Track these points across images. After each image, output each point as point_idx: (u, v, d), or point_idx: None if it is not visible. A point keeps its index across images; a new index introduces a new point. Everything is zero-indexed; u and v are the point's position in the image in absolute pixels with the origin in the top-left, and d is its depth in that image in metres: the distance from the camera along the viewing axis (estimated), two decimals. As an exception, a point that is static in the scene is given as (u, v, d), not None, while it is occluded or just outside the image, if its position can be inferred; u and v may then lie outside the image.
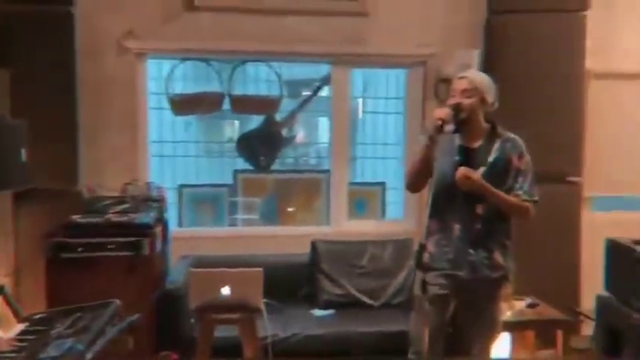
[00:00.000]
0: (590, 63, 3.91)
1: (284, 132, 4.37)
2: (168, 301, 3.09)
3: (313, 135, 5.96)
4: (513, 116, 2.62)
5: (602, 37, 3.94)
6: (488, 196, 2.50)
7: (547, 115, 3.79)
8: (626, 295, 2.53)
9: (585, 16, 3.84)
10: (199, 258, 3.66)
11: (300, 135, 6.71)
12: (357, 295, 3.67)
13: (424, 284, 2.44)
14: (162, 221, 3.45)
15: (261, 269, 2.66)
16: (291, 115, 4.36)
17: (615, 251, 2.70)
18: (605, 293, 2.74)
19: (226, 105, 4.11)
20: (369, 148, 4.81)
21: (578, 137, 3.92)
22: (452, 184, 2.52)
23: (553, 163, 3.67)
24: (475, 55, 3.75)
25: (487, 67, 3.65)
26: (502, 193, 2.52)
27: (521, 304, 3.54)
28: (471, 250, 2.52)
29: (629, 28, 4.07)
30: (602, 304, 2.73)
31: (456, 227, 2.54)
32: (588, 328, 3.80)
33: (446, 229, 2.55)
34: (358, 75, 4.61)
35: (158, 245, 3.24)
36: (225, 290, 2.62)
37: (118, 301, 2.28)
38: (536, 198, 2.55)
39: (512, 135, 2.60)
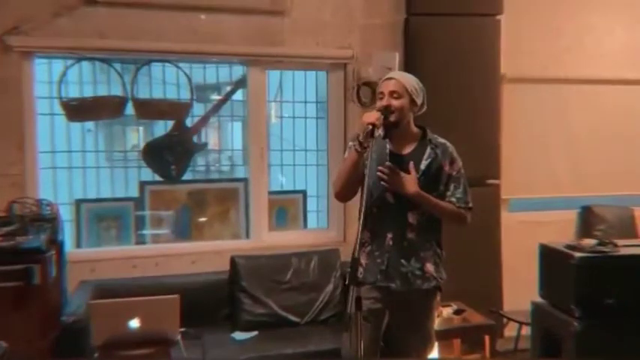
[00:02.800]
0: (504, 67, 3.96)
1: (195, 138, 4.03)
2: (66, 338, 2.66)
3: (226, 141, 5.63)
4: (433, 120, 2.53)
5: (514, 41, 4.01)
6: (424, 203, 2.39)
7: (467, 118, 3.81)
8: (563, 302, 2.49)
9: (499, 21, 3.89)
10: (102, 283, 3.27)
11: (213, 141, 6.36)
12: (282, 312, 3.43)
13: (359, 301, 2.24)
14: (56, 243, 3.00)
15: (177, 296, 2.34)
16: (203, 120, 4.03)
17: (549, 257, 2.67)
18: (539, 300, 2.69)
19: (129, 110, 3.71)
20: (286, 154, 4.59)
21: (495, 140, 3.97)
22: (383, 191, 2.41)
23: (473, 166, 3.65)
24: (395, 58, 3.65)
25: (407, 69, 3.59)
26: (438, 201, 2.42)
27: (447, 311, 3.50)
28: (403, 261, 2.42)
29: (537, 33, 4.18)
30: (538, 310, 2.69)
31: (388, 237, 2.43)
32: (512, 330, 3.85)
33: (378, 239, 2.44)
34: (273, 77, 4.38)
35: (52, 272, 2.81)
36: (134, 323, 2.27)
37: (3, 343, 1.95)
38: (470, 205, 2.49)
39: (442, 140, 2.52)
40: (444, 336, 3.35)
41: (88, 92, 3.81)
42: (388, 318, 2.47)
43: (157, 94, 4.01)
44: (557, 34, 4.22)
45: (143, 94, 3.79)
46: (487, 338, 3.51)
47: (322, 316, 3.48)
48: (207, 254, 3.68)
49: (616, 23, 4.35)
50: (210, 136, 6.82)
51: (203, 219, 4.07)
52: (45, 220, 3.01)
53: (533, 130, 4.24)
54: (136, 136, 4.75)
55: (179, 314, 2.36)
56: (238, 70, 3.98)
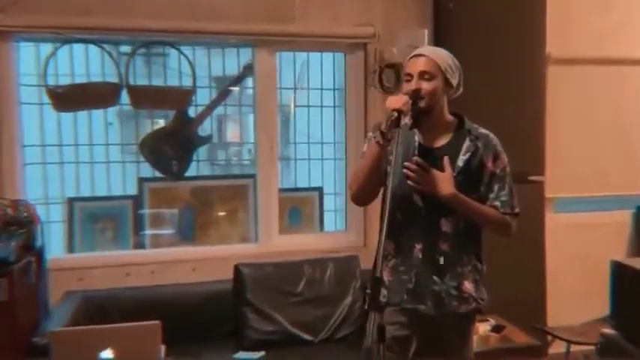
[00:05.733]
0: (550, 47, 3.45)
1: (200, 130, 3.62)
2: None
3: (244, 134, 5.27)
4: (466, 107, 2.09)
5: (561, 16, 3.50)
6: (462, 208, 1.95)
7: (506, 105, 3.34)
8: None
9: (545, -4, 3.38)
10: (89, 294, 2.91)
11: (232, 134, 6.00)
12: (293, 330, 2.99)
13: (382, 330, 1.80)
14: (32, 251, 2.62)
15: (158, 322, 1.93)
16: (207, 110, 3.61)
17: (626, 278, 2.17)
18: (609, 330, 2.20)
19: (124, 99, 3.32)
20: (301, 147, 4.17)
21: (539, 130, 3.48)
22: (410, 193, 1.98)
23: (514, 160, 3.19)
24: (424, 36, 3.18)
25: (437, 50, 3.12)
26: (479, 205, 1.98)
27: (485, 328, 3.04)
28: (435, 278, 1.99)
29: (587, 7, 3.65)
30: (608, 345, 2.21)
31: (417, 248, 2.00)
32: (558, 348, 3.38)
33: (404, 250, 2.02)
34: (288, 63, 3.94)
35: (25, 285, 2.42)
36: (107, 354, 1.87)
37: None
38: (517, 210, 2.04)
39: (484, 131, 2.07)
40: (481, 358, 2.91)
41: (78, 79, 3.44)
42: (416, 346, 2.05)
43: (157, 81, 3.63)
44: (608, 9, 3.69)
45: (142, 81, 3.39)
46: (529, 361, 3.06)
47: (339, 333, 3.04)
48: (209, 260, 3.28)
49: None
50: (228, 129, 6.48)
51: (222, 213, 3.66)
52: (20, 224, 2.62)
53: (582, 119, 3.73)
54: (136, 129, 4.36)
55: (160, 342, 1.95)
56: (247, 54, 3.55)
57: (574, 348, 3.38)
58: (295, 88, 3.99)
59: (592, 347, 3.28)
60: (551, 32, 3.43)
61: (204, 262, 3.26)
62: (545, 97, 3.50)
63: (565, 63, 3.60)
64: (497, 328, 3.03)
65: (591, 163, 3.75)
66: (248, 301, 3.00)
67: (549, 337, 3.39)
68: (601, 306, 3.40)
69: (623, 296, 2.16)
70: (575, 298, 3.56)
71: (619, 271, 2.18)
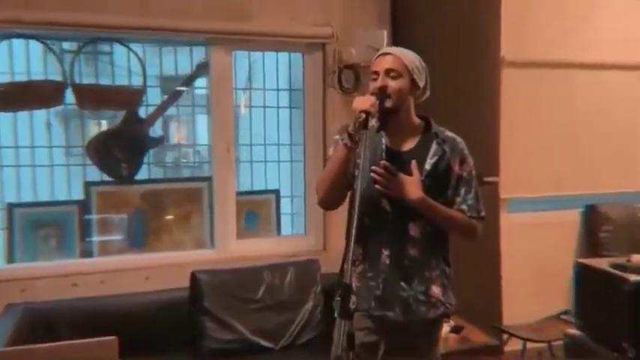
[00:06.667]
0: (504, 50, 3.50)
1: (151, 132, 3.46)
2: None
3: (196, 135, 5.07)
4: (423, 109, 2.08)
5: (515, 20, 3.55)
6: (430, 212, 1.93)
7: (461, 107, 3.33)
8: (611, 338, 2.01)
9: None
10: (33, 307, 2.71)
11: (179, 135, 5.81)
12: (253, 337, 2.90)
13: (351, 339, 1.75)
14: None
15: (114, 338, 1.79)
16: (159, 111, 3.45)
17: (590, 279, 2.19)
18: (574, 332, 2.23)
19: (69, 98, 3.13)
20: (255, 149, 4.07)
21: (494, 132, 3.51)
22: (378, 197, 1.95)
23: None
24: (383, 37, 3.16)
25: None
26: (447, 209, 1.96)
27: (444, 329, 3.03)
28: (403, 284, 1.96)
29: (540, 11, 3.73)
30: (573, 346, 2.22)
31: (385, 254, 1.97)
32: (514, 345, 3.44)
33: (372, 256, 1.98)
34: (241, 62, 3.83)
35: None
36: (56, 374, 1.72)
37: None
38: (483, 213, 2.04)
39: (450, 134, 2.06)
40: (442, 360, 2.92)
41: (23, 79, 3.22)
42: (383, 351, 2.01)
43: (104, 80, 3.44)
44: (559, 13, 3.79)
45: (89, 80, 3.21)
46: (488, 360, 3.09)
47: (301, 339, 2.97)
48: (163, 268, 3.13)
49: (617, 3, 3.94)
50: (176, 130, 6.27)
51: (170, 217, 3.50)
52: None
53: (535, 121, 3.81)
54: (82, 129, 4.14)
55: (117, 358, 1.82)
56: (200, 53, 3.42)
57: (529, 346, 3.46)
58: (249, 89, 3.90)
59: (546, 344, 3.37)
60: (506, 35, 3.46)
61: (157, 270, 3.11)
62: (499, 99, 3.52)
63: (519, 66, 3.65)
64: (456, 329, 3.04)
65: (544, 164, 3.83)
66: (205, 309, 2.89)
67: (505, 336, 3.44)
68: (554, 303, 3.50)
69: (586, 297, 2.19)
70: (529, 296, 3.63)
71: (582, 272, 2.20)
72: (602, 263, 2.16)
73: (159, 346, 2.81)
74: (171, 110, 3.68)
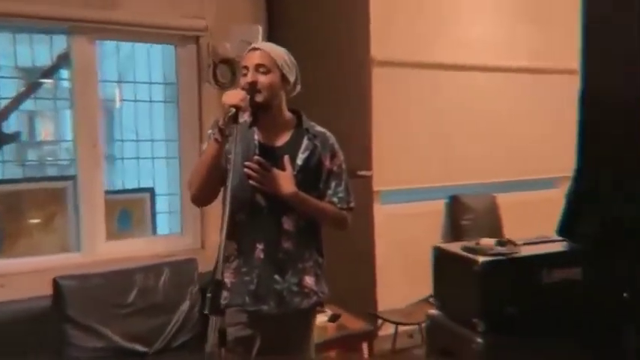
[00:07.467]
0: (374, 50, 3.66)
1: (4, 127, 3.15)
2: None
3: (59, 131, 4.72)
4: (298, 106, 2.10)
5: (384, 22, 3.73)
6: (303, 206, 1.98)
7: (335, 104, 3.43)
8: (464, 315, 2.19)
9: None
10: None
11: (45, 131, 5.40)
12: (124, 343, 2.76)
13: (223, 335, 1.73)
14: None
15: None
16: (12, 105, 3.15)
17: (445, 262, 2.35)
18: (435, 312, 2.38)
19: None
20: (128, 145, 3.86)
21: (366, 129, 3.66)
22: (252, 193, 1.95)
23: (344, 156, 3.34)
24: (258, 32, 3.14)
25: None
26: (319, 202, 2.01)
27: (322, 319, 3.12)
28: (277, 277, 1.98)
29: (406, 15, 3.94)
30: (434, 326, 2.38)
31: (259, 248, 1.97)
32: (388, 330, 3.66)
33: (246, 251, 1.98)
34: (112, 53, 3.61)
35: None
36: None
37: None
38: (352, 204, 2.12)
39: (321, 129, 2.10)
40: (320, 349, 2.97)
41: None
42: (259, 345, 2.01)
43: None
44: (422, 16, 4.03)
45: None
46: (365, 346, 3.22)
47: (177, 341, 2.88)
48: (22, 275, 2.86)
49: (482, 8, 4.28)
50: (41, 125, 5.77)
51: (35, 220, 3.21)
52: None
53: (405, 118, 4.04)
54: None
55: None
56: (62, 42, 3.17)
57: (401, 329, 3.67)
58: (120, 82, 3.69)
59: (416, 326, 3.59)
60: (375, 36, 3.61)
61: (15, 277, 2.83)
62: (371, 97, 3.68)
63: (388, 65, 3.83)
64: (333, 318, 3.13)
65: (414, 158, 4.06)
66: (69, 317, 2.69)
67: (380, 321, 3.61)
68: (423, 288, 3.71)
69: (443, 278, 2.37)
70: (402, 282, 3.84)
71: (439, 256, 2.38)
72: (455, 247, 2.35)
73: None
74: (30, 104, 3.39)
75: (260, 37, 3.14)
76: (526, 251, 2.29)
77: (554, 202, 2.79)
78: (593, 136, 2.45)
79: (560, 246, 2.44)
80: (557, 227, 2.54)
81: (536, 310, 2.14)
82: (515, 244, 2.29)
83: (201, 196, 1.99)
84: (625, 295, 2.21)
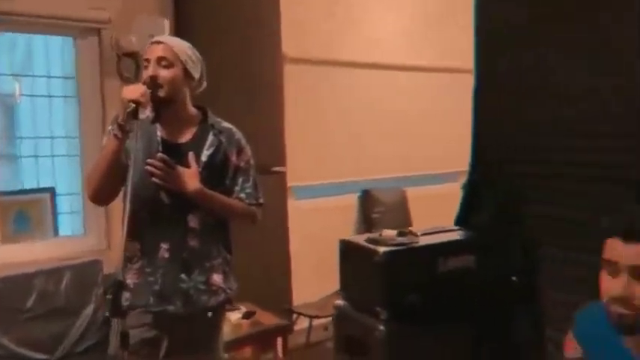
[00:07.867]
0: (286, 47, 3.68)
1: None
2: None
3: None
4: (208, 102, 2.08)
5: (294, 19, 3.75)
6: (208, 203, 1.96)
7: (247, 101, 3.43)
8: (369, 304, 2.26)
9: (279, -3, 3.57)
10: None
11: None
12: (22, 350, 2.62)
13: (125, 338, 1.68)
14: None
15: None
16: None
17: (351, 254, 2.41)
18: (342, 302, 2.44)
19: None
20: (26, 143, 3.64)
21: (279, 125, 3.68)
22: (156, 191, 1.90)
23: (256, 153, 3.32)
24: (164, 25, 3.06)
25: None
26: (225, 198, 2.00)
27: (236, 317, 3.12)
28: (183, 276, 1.94)
29: (314, 13, 3.99)
30: (341, 316, 2.43)
31: (163, 248, 1.93)
32: (303, 324, 3.69)
33: (150, 251, 1.93)
34: (10, 46, 3.38)
35: None
36: None
37: None
38: (261, 200, 2.11)
39: (227, 125, 2.07)
40: (234, 346, 2.98)
41: None
42: (167, 346, 1.96)
43: None
44: (331, 15, 4.10)
45: None
46: (280, 340, 3.24)
47: (81, 346, 2.77)
48: None
49: (391, 7, 4.41)
50: None
51: None
52: None
53: (317, 114, 4.10)
54: None
55: None
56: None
57: (316, 322, 3.72)
58: (17, 75, 3.46)
59: (330, 319, 3.65)
60: (286, 33, 3.63)
61: None
62: (283, 93, 3.69)
63: (300, 62, 3.87)
64: (247, 315, 3.13)
65: (327, 154, 4.13)
66: (-39, 327, 2.51)
67: (295, 315, 3.65)
68: (336, 281, 3.81)
69: (348, 270, 2.44)
70: (315, 276, 3.89)
71: (344, 248, 2.45)
72: (360, 239, 2.42)
73: None
74: None
75: (167, 31, 3.07)
76: (424, 241, 2.40)
77: (458, 194, 2.94)
78: (483, 126, 2.60)
79: (455, 235, 2.56)
80: (455, 218, 2.68)
81: (434, 297, 2.24)
82: (415, 235, 2.40)
83: (100, 195, 1.93)
84: (514, 278, 2.37)
